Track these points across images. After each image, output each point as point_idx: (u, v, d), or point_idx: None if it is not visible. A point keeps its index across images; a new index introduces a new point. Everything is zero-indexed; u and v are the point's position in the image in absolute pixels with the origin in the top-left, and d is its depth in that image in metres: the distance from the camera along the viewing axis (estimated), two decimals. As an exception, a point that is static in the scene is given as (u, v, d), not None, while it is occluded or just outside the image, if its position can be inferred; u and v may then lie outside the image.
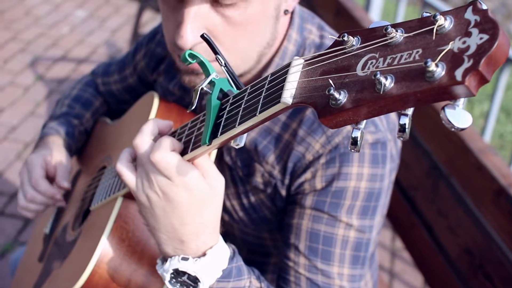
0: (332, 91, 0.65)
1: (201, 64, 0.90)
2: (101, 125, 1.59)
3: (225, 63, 0.90)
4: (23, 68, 4.16)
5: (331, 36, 1.22)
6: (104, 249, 1.10)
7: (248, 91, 0.82)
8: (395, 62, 0.62)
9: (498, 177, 1.49)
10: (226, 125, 0.82)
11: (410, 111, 0.62)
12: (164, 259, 0.99)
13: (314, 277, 1.15)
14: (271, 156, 1.19)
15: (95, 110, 1.61)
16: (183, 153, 0.91)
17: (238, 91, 0.86)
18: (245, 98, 0.81)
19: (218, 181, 0.93)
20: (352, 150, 0.66)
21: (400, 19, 2.76)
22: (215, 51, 0.91)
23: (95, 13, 4.99)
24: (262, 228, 1.32)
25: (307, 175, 1.15)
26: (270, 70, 1.18)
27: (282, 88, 0.73)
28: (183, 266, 0.94)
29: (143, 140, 0.91)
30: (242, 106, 0.81)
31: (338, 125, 0.66)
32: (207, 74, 0.89)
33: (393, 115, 1.24)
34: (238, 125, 0.79)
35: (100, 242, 1.10)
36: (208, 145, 0.84)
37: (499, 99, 2.27)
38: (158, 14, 4.82)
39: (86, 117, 1.58)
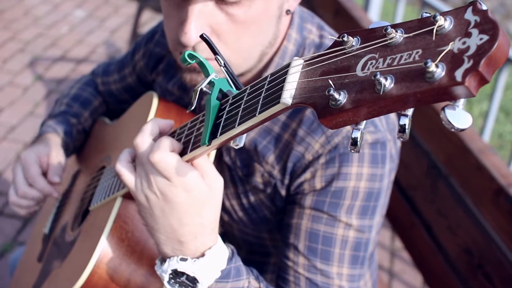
0: (332, 92, 0.65)
1: (201, 64, 0.90)
2: (100, 125, 1.58)
3: (224, 64, 0.90)
4: (22, 68, 4.15)
5: (330, 36, 1.22)
6: (104, 249, 1.10)
7: (247, 91, 0.82)
8: (395, 63, 0.62)
9: (498, 177, 1.49)
10: (226, 125, 0.82)
11: (410, 111, 0.62)
12: (163, 260, 0.99)
13: (313, 277, 1.15)
14: (271, 156, 1.19)
15: (94, 110, 1.61)
16: (182, 153, 0.91)
17: (238, 91, 0.86)
18: (244, 99, 0.81)
19: (217, 181, 0.93)
20: (352, 151, 0.66)
21: (399, 19, 2.76)
22: (214, 51, 0.91)
23: (94, 13, 4.99)
24: (262, 228, 1.32)
25: (307, 175, 1.15)
26: (270, 70, 1.18)
27: (281, 89, 0.73)
28: (181, 267, 0.94)
29: (143, 140, 0.91)
30: (242, 107, 0.81)
31: (338, 125, 0.66)
32: (207, 74, 0.89)
33: (392, 115, 1.24)
34: (238, 125, 0.79)
35: (100, 242, 1.10)
36: (207, 146, 0.84)
37: (498, 99, 2.27)
38: (157, 14, 4.82)
39: (85, 116, 1.58)
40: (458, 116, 0.58)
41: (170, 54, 1.42)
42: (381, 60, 0.63)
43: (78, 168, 1.57)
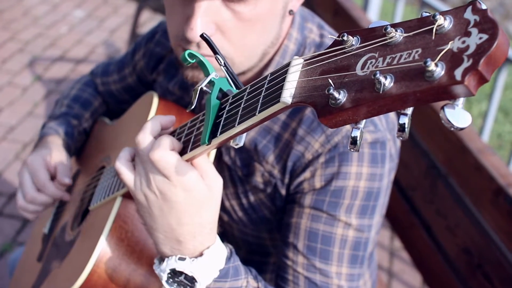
0: (331, 91, 0.65)
1: (201, 63, 0.90)
2: (100, 125, 1.58)
3: (224, 63, 0.90)
4: (22, 68, 4.15)
5: (330, 36, 1.23)
6: (103, 249, 1.10)
7: (247, 90, 0.82)
8: (395, 62, 0.62)
9: (497, 177, 1.49)
10: (226, 124, 0.82)
11: (409, 110, 0.62)
12: (162, 259, 0.99)
13: (312, 276, 1.15)
14: (271, 156, 1.19)
15: (94, 110, 1.61)
16: (182, 152, 0.91)
17: (238, 90, 0.86)
18: (244, 98, 0.81)
19: (216, 182, 0.93)
20: (352, 150, 0.66)
21: (398, 18, 2.76)
22: (214, 51, 0.91)
23: (94, 13, 4.99)
24: (262, 228, 1.32)
25: (306, 174, 1.15)
26: (271, 69, 1.18)
27: (281, 88, 0.73)
28: (180, 266, 0.95)
29: (145, 137, 0.91)
30: (242, 106, 0.81)
31: (337, 124, 0.67)
32: (207, 73, 0.89)
33: (392, 115, 1.24)
34: (238, 124, 0.79)
35: (99, 242, 1.10)
36: (207, 145, 0.84)
37: (497, 98, 2.27)
38: (156, 14, 4.82)
39: (85, 117, 1.58)
40: (457, 115, 0.58)
41: (170, 54, 1.42)
42: (380, 59, 0.64)
43: (78, 168, 1.57)
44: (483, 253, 1.54)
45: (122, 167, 0.95)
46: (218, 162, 1.27)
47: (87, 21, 4.86)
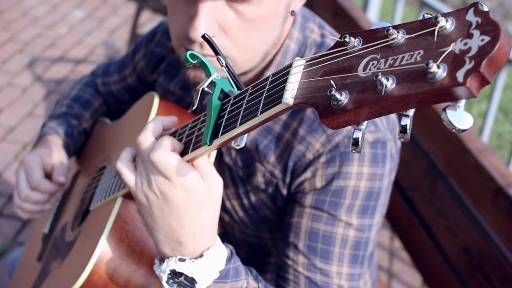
0: (333, 92, 0.65)
1: (202, 64, 0.90)
2: (100, 126, 1.58)
3: (226, 64, 0.90)
4: (21, 68, 4.15)
5: (332, 37, 1.23)
6: (104, 249, 1.10)
7: (249, 91, 0.82)
8: (397, 63, 0.62)
9: (496, 177, 1.49)
10: (227, 125, 0.82)
11: (411, 112, 0.62)
12: (162, 260, 0.99)
13: (313, 276, 1.15)
14: (272, 156, 1.20)
15: (95, 110, 1.61)
16: (183, 153, 0.91)
17: (239, 91, 0.86)
18: (246, 99, 0.82)
19: (217, 183, 0.93)
20: (353, 151, 0.66)
21: (398, 19, 2.76)
22: (216, 51, 0.91)
23: (93, 13, 4.99)
24: (263, 228, 1.32)
25: (307, 174, 1.15)
26: (272, 68, 1.18)
27: (283, 89, 0.74)
28: (180, 267, 0.95)
29: (146, 138, 0.92)
30: (243, 107, 0.81)
31: (339, 125, 0.67)
32: (208, 74, 0.89)
33: (393, 115, 1.25)
34: (239, 125, 0.79)
35: (100, 242, 1.10)
36: (208, 146, 0.84)
37: (497, 99, 2.27)
38: (156, 15, 4.82)
39: (85, 117, 1.58)
40: (459, 117, 0.58)
41: (171, 54, 1.42)
42: (382, 60, 0.64)
43: (78, 168, 1.57)
44: (483, 253, 1.54)
45: (123, 167, 0.96)
46: (219, 163, 1.27)
47: (87, 21, 4.85)
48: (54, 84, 4.00)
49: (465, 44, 0.58)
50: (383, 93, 0.61)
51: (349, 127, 1.10)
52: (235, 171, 1.26)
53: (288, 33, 1.19)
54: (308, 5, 1.18)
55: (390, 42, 0.64)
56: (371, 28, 0.68)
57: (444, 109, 0.59)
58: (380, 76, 0.61)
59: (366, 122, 0.66)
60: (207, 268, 0.95)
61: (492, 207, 1.50)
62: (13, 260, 1.81)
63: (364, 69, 0.65)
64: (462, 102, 0.58)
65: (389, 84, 0.61)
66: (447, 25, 0.60)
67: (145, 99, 1.31)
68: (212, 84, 0.89)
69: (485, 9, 0.58)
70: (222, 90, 0.88)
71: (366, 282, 1.43)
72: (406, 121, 0.62)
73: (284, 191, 1.21)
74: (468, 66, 0.56)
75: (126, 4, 5.16)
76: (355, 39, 0.68)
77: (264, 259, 1.44)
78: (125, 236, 1.12)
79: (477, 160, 1.56)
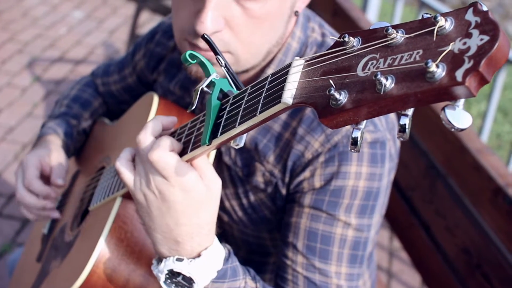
0: (332, 92, 0.65)
1: (201, 64, 0.90)
2: (100, 126, 1.58)
3: (225, 64, 0.90)
4: (21, 69, 4.15)
5: (331, 37, 1.23)
6: (103, 249, 1.10)
7: (248, 91, 0.82)
8: (396, 63, 0.62)
9: (496, 177, 1.49)
10: (226, 125, 0.82)
11: (410, 111, 0.62)
12: (160, 260, 0.99)
13: (312, 276, 1.15)
14: (272, 155, 1.20)
15: (94, 111, 1.61)
16: (182, 153, 0.91)
17: (238, 91, 0.86)
18: (245, 98, 0.82)
19: (215, 183, 0.93)
20: (352, 150, 0.66)
21: (397, 19, 2.76)
22: (215, 51, 0.91)
23: (93, 14, 4.99)
24: (262, 228, 1.32)
25: (306, 173, 1.15)
26: (273, 66, 1.19)
27: (282, 88, 0.74)
28: (177, 267, 0.95)
29: (145, 137, 0.92)
30: (242, 106, 0.81)
31: (338, 125, 0.67)
32: (207, 74, 0.89)
33: (392, 114, 1.25)
34: (238, 125, 0.79)
35: (99, 242, 1.10)
36: (208, 145, 0.84)
37: (496, 99, 2.28)
38: (156, 15, 4.82)
39: (85, 117, 1.58)
40: (458, 116, 0.58)
41: (171, 54, 1.42)
42: (381, 60, 0.64)
43: (78, 168, 1.57)
44: (482, 253, 1.54)
45: (122, 167, 0.96)
46: (218, 163, 1.27)
47: (86, 22, 4.85)
48: (53, 84, 4.00)
49: (464, 43, 0.58)
50: (382, 93, 0.61)
51: (348, 127, 1.10)
52: (234, 171, 1.26)
53: (290, 32, 1.20)
54: (307, 5, 1.18)
55: (389, 41, 0.64)
56: (370, 28, 0.68)
57: (443, 108, 0.59)
58: (379, 76, 0.61)
59: (365, 121, 0.66)
60: (204, 268, 0.95)
61: (491, 207, 1.50)
62: (13, 260, 1.81)
63: (363, 68, 0.65)
64: (461, 102, 0.58)
65: (388, 83, 0.61)
66: (446, 24, 0.60)
67: (145, 99, 1.31)
68: (212, 84, 0.89)
69: (484, 8, 0.59)
70: (221, 90, 0.89)
71: (366, 282, 1.43)
72: (405, 121, 0.62)
73: (283, 191, 1.21)
74: (467, 65, 0.56)
75: (125, 4, 5.16)
76: (354, 38, 0.68)
77: (263, 259, 1.44)
78: (124, 236, 1.12)
79: (476, 160, 1.56)
